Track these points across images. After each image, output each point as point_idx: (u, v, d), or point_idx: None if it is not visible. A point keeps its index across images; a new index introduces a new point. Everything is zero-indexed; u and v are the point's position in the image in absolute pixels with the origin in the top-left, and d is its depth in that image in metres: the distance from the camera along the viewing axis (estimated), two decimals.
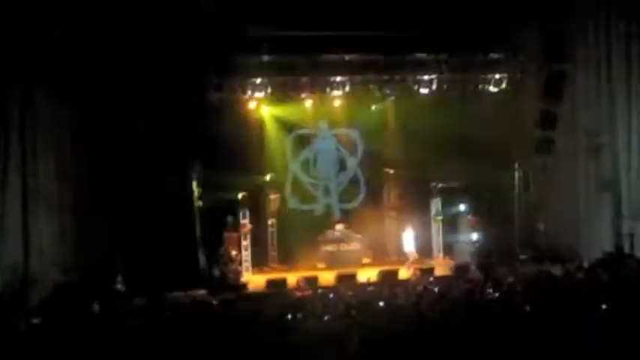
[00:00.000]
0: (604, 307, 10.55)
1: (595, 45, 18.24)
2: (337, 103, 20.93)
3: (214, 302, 14.36)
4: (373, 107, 21.50)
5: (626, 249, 17.53)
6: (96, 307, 13.87)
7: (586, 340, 9.03)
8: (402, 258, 20.26)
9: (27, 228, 16.06)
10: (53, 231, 16.78)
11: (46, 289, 15.93)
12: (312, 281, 17.84)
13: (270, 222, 20.69)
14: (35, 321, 12.56)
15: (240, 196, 19.80)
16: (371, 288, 16.00)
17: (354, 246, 20.81)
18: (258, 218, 20.48)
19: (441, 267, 19.65)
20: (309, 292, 16.06)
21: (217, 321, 12.37)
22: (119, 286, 16.39)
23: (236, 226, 19.61)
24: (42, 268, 16.22)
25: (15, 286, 15.50)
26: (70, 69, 16.84)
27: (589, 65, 18.38)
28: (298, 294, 15.95)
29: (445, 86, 20.24)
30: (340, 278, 17.97)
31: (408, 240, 19.92)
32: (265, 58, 19.04)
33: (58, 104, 16.91)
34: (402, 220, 21.08)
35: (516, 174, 21.08)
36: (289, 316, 11.69)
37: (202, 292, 17.33)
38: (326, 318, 11.23)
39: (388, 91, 20.00)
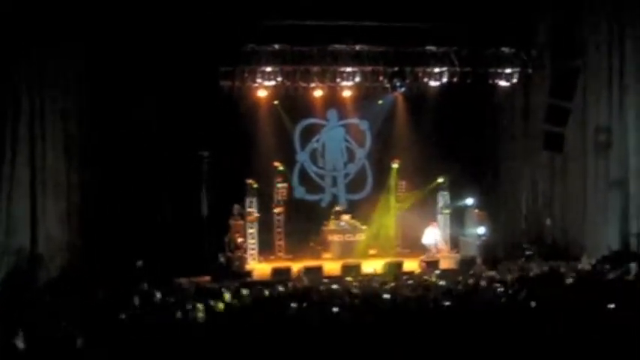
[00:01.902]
0: (610, 305, 10.57)
1: (607, 41, 18.13)
2: (347, 93, 20.92)
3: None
4: (380, 102, 21.48)
5: (633, 247, 17.47)
6: (100, 292, 13.92)
7: (590, 337, 9.04)
8: (407, 250, 20.51)
9: (35, 211, 16.11)
10: (60, 214, 16.86)
11: (52, 272, 16.02)
12: (316, 271, 17.88)
13: (277, 211, 20.70)
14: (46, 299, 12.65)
15: (247, 184, 19.83)
16: (376, 279, 16.01)
17: (360, 237, 20.84)
18: (265, 207, 20.49)
19: (447, 260, 19.66)
20: (306, 284, 15.97)
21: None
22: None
23: (243, 214, 19.64)
24: (49, 251, 16.30)
25: (22, 269, 15.57)
26: (79, 55, 16.90)
27: (601, 61, 18.28)
28: (297, 285, 15.92)
29: (455, 79, 20.17)
30: (345, 269, 17.99)
31: (430, 234, 20.07)
32: (276, 47, 19.03)
33: (68, 89, 16.96)
34: (408, 212, 21.14)
35: (525, 169, 21.07)
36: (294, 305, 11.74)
37: (207, 278, 17.41)
38: (335, 310, 11.26)
39: (398, 83, 19.91)
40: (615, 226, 17.99)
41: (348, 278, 16.39)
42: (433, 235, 20.14)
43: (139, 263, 16.34)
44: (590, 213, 18.84)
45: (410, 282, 15.02)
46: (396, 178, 21.41)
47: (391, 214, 21.52)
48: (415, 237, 20.81)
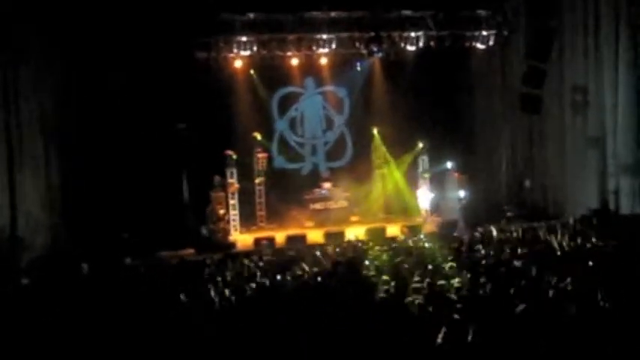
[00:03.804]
0: (590, 264, 10.70)
1: (582, 1, 18.14)
2: (324, 61, 20.81)
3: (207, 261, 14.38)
4: (359, 67, 21.39)
5: (612, 206, 17.66)
6: (85, 267, 13.88)
7: (572, 295, 9.16)
8: (389, 215, 20.55)
9: (13, 190, 15.91)
10: (39, 192, 16.69)
11: (35, 251, 15.90)
12: (299, 239, 17.95)
13: (257, 181, 20.68)
14: (25, 281, 12.57)
15: (226, 155, 19.75)
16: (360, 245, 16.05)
17: (342, 204, 20.92)
18: (245, 177, 20.44)
19: (429, 224, 19.79)
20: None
21: (207, 280, 12.45)
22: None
23: (223, 186, 19.59)
24: (30, 231, 16.14)
25: (3, 249, 15.42)
26: (52, 28, 16.62)
27: (576, 22, 18.30)
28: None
29: (432, 43, 20.11)
30: (328, 236, 18.05)
31: (424, 197, 20.17)
32: (251, 15, 18.85)
33: (43, 65, 16.69)
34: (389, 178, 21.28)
35: (503, 131, 21.18)
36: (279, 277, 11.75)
37: (190, 251, 17.41)
38: (319, 279, 11.28)
39: (375, 49, 19.80)
40: (594, 184, 18.15)
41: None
42: (427, 197, 20.24)
43: (125, 235, 16.29)
44: (569, 172, 19.02)
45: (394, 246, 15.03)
46: (377, 144, 21.46)
47: (372, 180, 21.60)
48: (396, 202, 20.97)
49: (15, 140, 15.98)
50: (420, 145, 21.07)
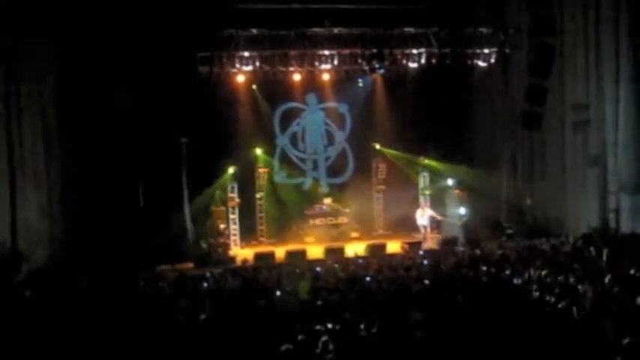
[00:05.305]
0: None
1: (583, 20, 18.20)
2: (326, 77, 20.86)
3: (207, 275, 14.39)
4: (360, 83, 21.46)
5: (612, 224, 17.65)
6: (84, 281, 13.83)
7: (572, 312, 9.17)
8: (389, 232, 20.57)
9: (14, 205, 15.91)
10: (40, 207, 16.69)
11: (34, 263, 15.87)
12: (299, 255, 17.92)
13: (258, 196, 20.69)
14: (27, 294, 12.54)
15: (228, 170, 19.79)
16: (360, 261, 16.07)
17: (342, 220, 20.91)
18: (246, 192, 20.45)
19: (429, 241, 19.76)
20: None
21: (207, 294, 12.45)
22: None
23: (224, 200, 19.61)
24: (30, 244, 16.11)
25: (3, 262, 15.39)
26: (55, 40, 16.69)
27: (577, 39, 18.36)
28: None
29: (434, 60, 20.18)
30: (328, 252, 18.03)
31: (424, 214, 20.13)
32: (254, 31, 18.91)
33: (44, 75, 16.73)
34: (390, 195, 21.27)
35: (504, 148, 21.19)
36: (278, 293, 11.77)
37: (190, 265, 17.40)
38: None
39: (377, 65, 19.84)
40: (595, 202, 18.14)
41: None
42: (427, 216, 20.16)
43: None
44: (570, 190, 19.02)
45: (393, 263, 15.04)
46: (376, 161, 21.51)
47: (373, 196, 21.62)
48: (397, 219, 20.96)
49: (16, 150, 16.00)
50: (426, 161, 21.10)
